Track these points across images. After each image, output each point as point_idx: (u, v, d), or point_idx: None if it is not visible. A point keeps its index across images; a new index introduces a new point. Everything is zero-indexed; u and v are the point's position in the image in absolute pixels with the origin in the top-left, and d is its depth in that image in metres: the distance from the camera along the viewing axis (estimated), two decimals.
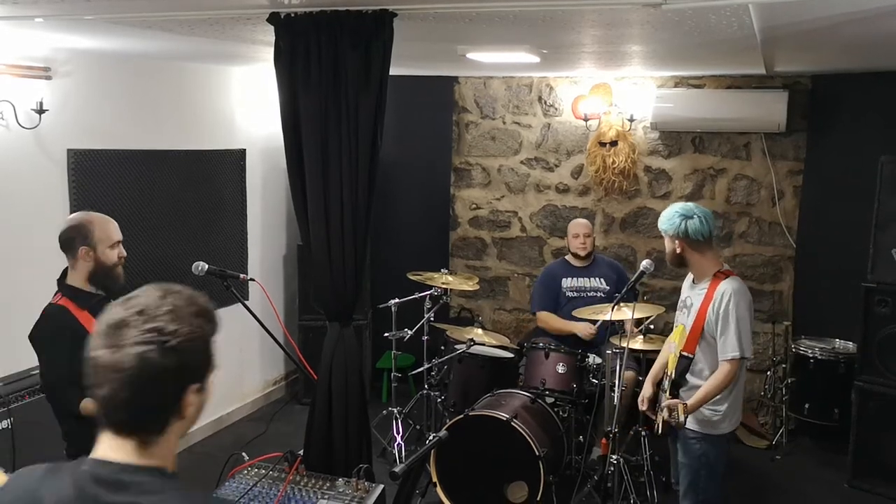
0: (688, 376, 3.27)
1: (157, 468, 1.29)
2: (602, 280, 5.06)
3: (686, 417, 3.10)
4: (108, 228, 2.99)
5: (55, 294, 3.00)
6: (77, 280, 2.97)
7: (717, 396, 3.18)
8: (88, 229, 2.94)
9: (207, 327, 1.32)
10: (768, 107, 5.34)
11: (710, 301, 3.21)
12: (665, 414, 3.15)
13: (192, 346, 1.27)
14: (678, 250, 3.28)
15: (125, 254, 3.05)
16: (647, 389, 3.49)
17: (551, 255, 6.21)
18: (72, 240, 2.94)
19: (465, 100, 6.37)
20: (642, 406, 3.49)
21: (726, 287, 3.20)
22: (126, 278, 3.05)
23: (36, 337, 2.94)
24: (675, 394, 3.26)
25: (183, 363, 1.27)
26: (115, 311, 1.28)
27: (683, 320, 3.35)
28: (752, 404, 5.64)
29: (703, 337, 3.23)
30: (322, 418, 3.37)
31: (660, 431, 3.27)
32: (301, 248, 5.75)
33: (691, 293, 3.36)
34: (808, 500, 4.67)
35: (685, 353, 3.26)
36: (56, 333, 2.87)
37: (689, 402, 3.17)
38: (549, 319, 5.07)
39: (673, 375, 3.26)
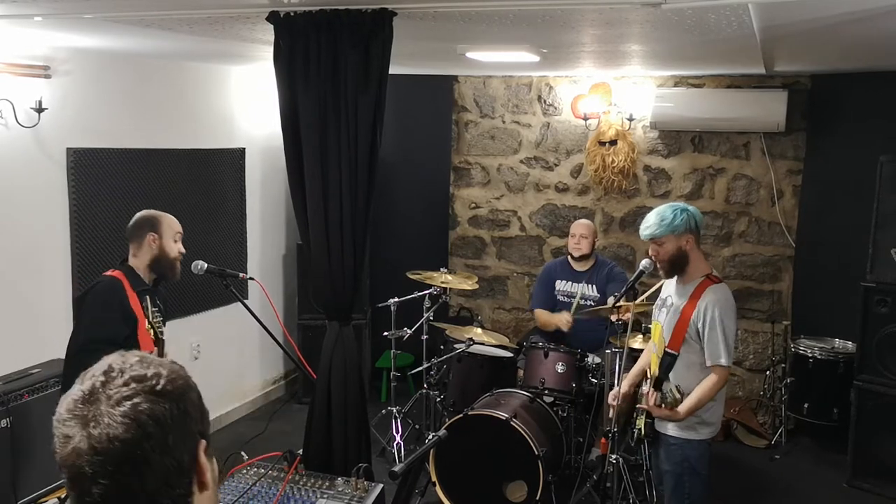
0: (672, 374, 3.26)
1: None
2: (595, 288, 4.98)
3: (682, 396, 3.11)
4: (174, 222, 3.28)
5: (111, 270, 3.21)
6: (137, 264, 3.20)
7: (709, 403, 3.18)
8: (159, 219, 3.24)
9: (185, 373, 1.05)
10: (768, 106, 5.34)
11: (695, 303, 3.17)
12: (654, 400, 3.16)
13: (182, 387, 1.01)
14: (686, 247, 3.20)
15: (184, 250, 3.29)
16: (623, 386, 3.50)
17: (550, 254, 6.21)
18: (142, 227, 3.21)
19: (464, 99, 6.37)
20: (610, 400, 3.48)
21: (716, 294, 3.16)
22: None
23: (87, 300, 3.15)
24: (659, 390, 3.26)
25: (185, 410, 1.00)
26: (72, 392, 0.99)
27: (661, 319, 3.32)
28: (752, 404, 5.64)
29: (686, 338, 3.19)
30: (321, 417, 3.37)
31: (641, 435, 3.28)
32: (300, 247, 5.74)
33: (673, 292, 3.31)
34: (807, 500, 4.67)
35: (670, 350, 3.23)
36: (108, 301, 3.08)
37: (681, 408, 3.15)
38: (539, 316, 5.07)
39: (657, 373, 3.26)
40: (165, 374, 0.99)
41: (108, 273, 3.19)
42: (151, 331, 3.11)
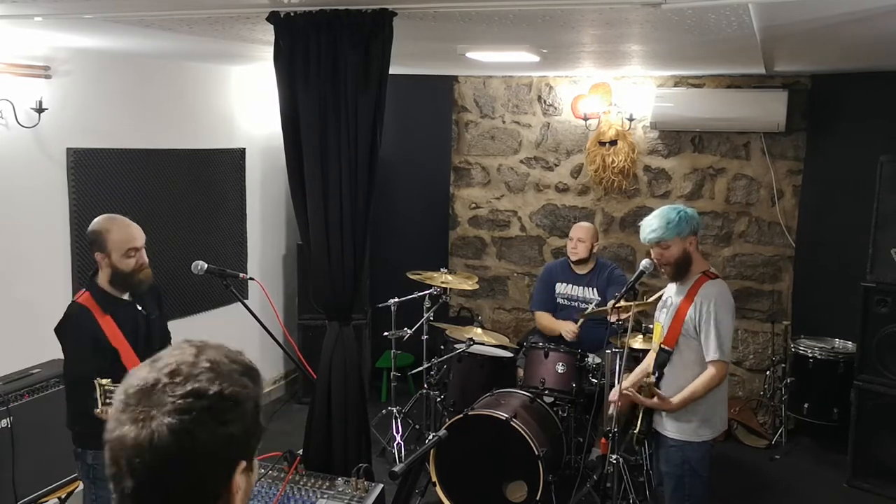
0: (666, 370, 3.27)
1: None
2: (595, 291, 4.98)
3: (655, 377, 3.19)
4: (124, 236, 2.96)
5: (82, 291, 3.03)
6: (103, 281, 3.00)
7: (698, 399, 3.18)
8: (104, 236, 2.94)
9: (253, 389, 1.05)
10: (768, 106, 5.34)
11: (691, 300, 3.18)
12: (640, 393, 3.24)
13: (239, 411, 1.01)
14: (690, 249, 3.20)
15: (146, 260, 3.02)
16: (624, 384, 3.47)
17: (551, 254, 6.21)
18: (91, 244, 2.98)
19: (464, 99, 6.36)
20: (611, 398, 3.45)
21: (711, 289, 3.17)
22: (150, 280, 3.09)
23: (60, 333, 2.97)
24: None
25: (231, 435, 1.00)
26: (139, 373, 1.01)
27: (662, 319, 3.33)
28: (752, 404, 5.64)
29: (683, 334, 3.20)
30: (321, 418, 3.37)
31: (637, 433, 3.30)
32: (300, 248, 5.74)
33: (673, 292, 3.33)
34: (807, 500, 4.67)
35: (665, 347, 3.25)
36: (77, 335, 2.90)
37: (675, 399, 3.17)
38: (541, 319, 5.07)
39: (653, 370, 3.28)
40: (228, 394, 1.00)
41: (78, 298, 3.00)
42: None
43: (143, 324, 3.09)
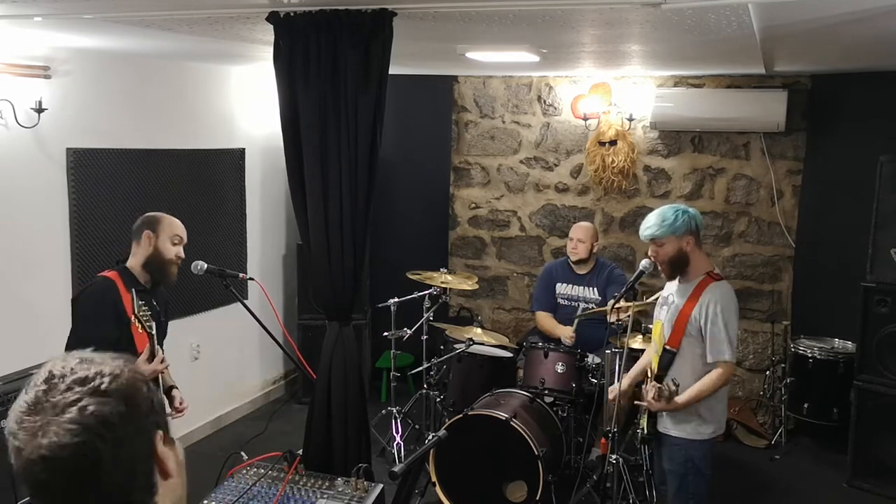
0: (670, 371, 3.27)
1: None
2: (595, 290, 4.98)
3: (677, 388, 3.12)
4: (175, 224, 3.27)
5: (108, 270, 3.21)
6: (133, 263, 3.21)
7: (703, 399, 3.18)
8: (159, 220, 3.25)
9: (130, 367, 1.03)
10: (768, 106, 5.34)
11: (696, 300, 3.18)
12: (653, 394, 3.17)
13: (127, 382, 0.99)
14: (687, 248, 3.22)
15: (183, 255, 3.26)
16: (623, 384, 3.50)
17: (550, 254, 6.21)
18: (141, 225, 3.23)
19: (464, 99, 6.36)
20: (611, 396, 3.50)
21: (717, 290, 3.18)
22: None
23: (79, 300, 3.16)
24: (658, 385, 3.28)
25: (131, 404, 0.99)
26: (18, 401, 0.99)
27: (662, 317, 3.33)
28: (752, 404, 5.64)
29: (686, 335, 3.21)
30: (321, 418, 3.37)
31: (644, 435, 3.29)
32: (300, 248, 5.74)
33: (674, 291, 3.33)
34: (807, 500, 4.67)
35: (669, 348, 3.25)
36: (100, 301, 3.08)
37: (680, 399, 3.17)
38: (541, 320, 5.07)
39: (656, 370, 3.28)
40: (108, 372, 0.99)
41: (103, 273, 3.18)
42: (139, 324, 2.98)
43: (154, 317, 3.19)
